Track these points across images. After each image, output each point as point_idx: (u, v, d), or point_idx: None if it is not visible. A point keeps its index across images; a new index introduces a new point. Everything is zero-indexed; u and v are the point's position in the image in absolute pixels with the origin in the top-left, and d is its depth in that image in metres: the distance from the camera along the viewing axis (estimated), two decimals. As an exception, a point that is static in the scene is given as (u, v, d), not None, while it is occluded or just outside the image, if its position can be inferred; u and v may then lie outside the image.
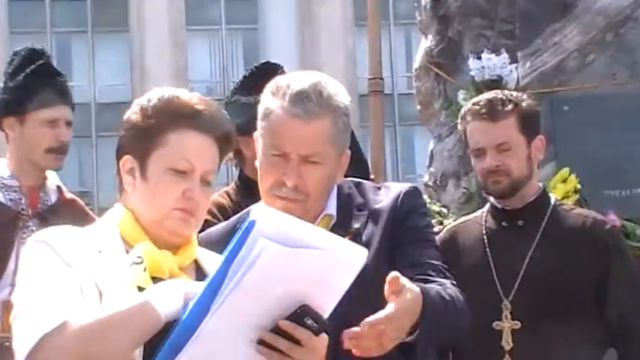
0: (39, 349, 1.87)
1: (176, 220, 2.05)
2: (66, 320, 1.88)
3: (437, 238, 2.64)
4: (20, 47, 3.73)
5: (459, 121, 3.22)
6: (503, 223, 3.15)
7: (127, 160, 2.10)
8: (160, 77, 25.96)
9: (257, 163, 2.40)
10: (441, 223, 4.22)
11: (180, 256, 2.07)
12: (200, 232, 2.19)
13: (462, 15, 4.88)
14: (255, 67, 3.67)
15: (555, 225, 3.12)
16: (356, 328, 1.97)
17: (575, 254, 3.07)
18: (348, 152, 2.42)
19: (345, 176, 2.47)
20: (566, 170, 4.48)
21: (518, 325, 3.03)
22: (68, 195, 3.68)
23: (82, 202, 3.75)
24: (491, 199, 3.20)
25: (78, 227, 2.10)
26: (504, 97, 3.11)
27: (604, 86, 4.73)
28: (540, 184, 3.26)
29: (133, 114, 2.11)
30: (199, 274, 2.11)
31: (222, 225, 2.55)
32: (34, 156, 3.55)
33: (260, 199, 2.41)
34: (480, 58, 4.65)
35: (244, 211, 2.55)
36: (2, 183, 3.55)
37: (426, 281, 2.26)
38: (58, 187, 3.66)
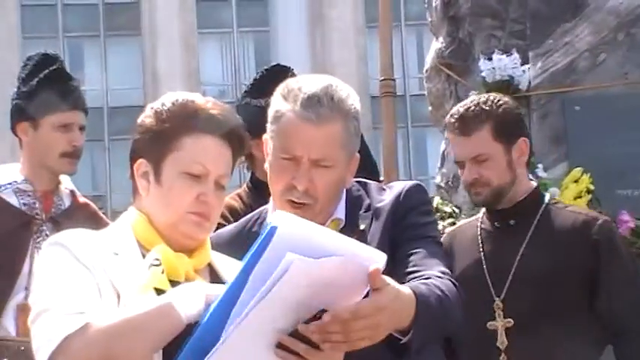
0: (61, 351, 1.88)
1: (190, 223, 2.06)
2: (88, 322, 1.89)
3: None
4: (33, 52, 3.74)
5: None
6: (496, 224, 3.17)
7: (141, 164, 2.11)
8: (171, 80, 26.02)
9: (266, 166, 2.41)
10: (454, 224, 4.22)
11: (195, 259, 2.08)
12: (210, 233, 2.20)
13: (472, 16, 4.88)
14: (266, 69, 3.67)
15: (547, 223, 3.12)
16: (319, 321, 1.87)
17: (565, 252, 3.06)
18: (357, 156, 2.42)
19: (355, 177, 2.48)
20: (578, 170, 4.48)
21: (511, 322, 3.04)
22: (82, 199, 3.70)
23: (95, 207, 3.76)
24: None
25: (93, 230, 2.11)
26: (476, 109, 3.10)
27: (616, 86, 4.73)
28: (534, 183, 3.26)
29: (147, 118, 2.12)
30: (214, 277, 2.12)
31: (232, 226, 2.55)
32: (47, 161, 3.56)
33: (269, 200, 2.42)
34: (490, 58, 4.65)
35: (254, 212, 2.56)
36: (16, 187, 3.57)
37: (421, 277, 2.24)
38: (72, 192, 3.68)
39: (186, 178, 2.07)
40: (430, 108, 5.33)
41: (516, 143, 3.12)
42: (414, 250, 2.34)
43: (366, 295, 1.90)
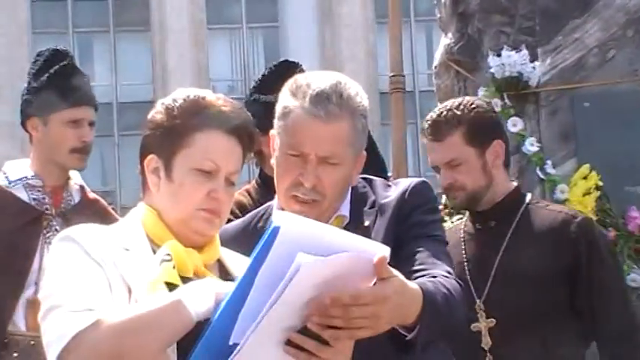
0: (72, 348, 1.89)
1: (201, 220, 2.07)
2: (99, 318, 1.90)
3: None
4: (43, 48, 3.76)
5: None
6: (477, 226, 3.18)
7: (152, 160, 2.11)
8: (181, 76, 26.04)
9: (272, 161, 2.41)
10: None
11: (205, 255, 2.09)
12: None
13: (481, 12, 4.87)
14: (274, 65, 3.67)
15: (526, 223, 3.12)
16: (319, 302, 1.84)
17: (544, 251, 3.06)
18: (364, 154, 2.42)
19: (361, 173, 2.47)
20: (586, 167, 4.48)
21: (493, 322, 3.05)
22: (91, 195, 3.71)
23: (104, 202, 3.77)
24: None
25: (103, 225, 2.12)
26: (448, 114, 3.12)
27: (625, 82, 4.72)
28: (514, 184, 3.27)
29: (158, 114, 2.12)
30: (223, 272, 2.13)
31: (239, 222, 2.55)
32: (57, 156, 3.57)
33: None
34: (499, 55, 4.65)
35: (260, 208, 2.57)
36: (26, 183, 3.58)
37: (427, 275, 2.23)
38: (81, 187, 3.69)
39: (197, 175, 2.07)
40: (439, 104, 5.33)
41: (490, 146, 3.13)
42: (420, 249, 2.33)
43: None
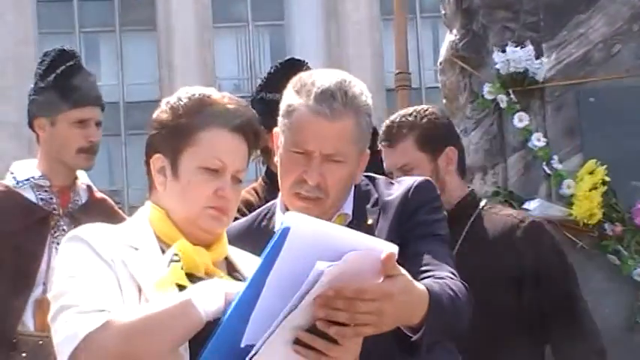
0: (82, 349, 1.89)
1: (208, 218, 2.07)
2: (109, 319, 1.90)
3: None
4: (49, 48, 3.76)
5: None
6: None
7: (158, 159, 2.12)
8: (187, 75, 26.05)
9: (276, 159, 2.41)
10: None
11: (213, 253, 2.10)
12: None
13: (486, 8, 4.86)
14: (280, 63, 3.68)
15: (478, 229, 3.17)
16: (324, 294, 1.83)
17: (493, 255, 3.10)
18: (368, 151, 2.42)
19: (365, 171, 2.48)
20: (593, 162, 4.47)
21: None
22: (98, 194, 3.72)
23: (112, 202, 3.78)
24: None
25: (111, 225, 2.12)
26: (401, 121, 3.19)
27: (630, 77, 4.71)
28: (468, 189, 3.30)
29: (163, 113, 2.13)
30: (231, 270, 2.14)
31: (243, 220, 2.55)
32: (64, 156, 3.58)
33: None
34: (504, 51, 4.65)
35: (264, 206, 2.57)
36: (34, 183, 3.59)
37: (433, 276, 2.23)
38: (89, 187, 3.70)
39: (203, 173, 2.08)
40: (444, 101, 5.32)
41: (443, 152, 3.19)
42: (425, 249, 2.33)
43: None
